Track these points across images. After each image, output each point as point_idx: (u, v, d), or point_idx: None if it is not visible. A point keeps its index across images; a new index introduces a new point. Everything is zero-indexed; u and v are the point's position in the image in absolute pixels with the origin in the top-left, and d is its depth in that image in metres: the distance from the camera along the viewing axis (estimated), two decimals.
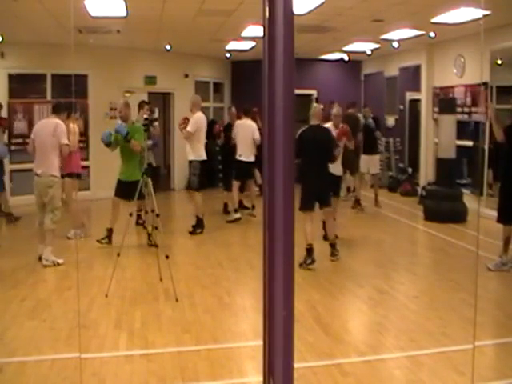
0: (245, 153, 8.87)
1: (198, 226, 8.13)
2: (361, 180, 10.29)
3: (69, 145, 6.59)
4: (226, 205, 9.65)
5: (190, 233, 8.06)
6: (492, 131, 6.64)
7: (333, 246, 6.72)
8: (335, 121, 7.32)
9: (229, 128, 9.72)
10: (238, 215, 8.92)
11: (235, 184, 9.11)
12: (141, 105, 8.79)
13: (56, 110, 6.74)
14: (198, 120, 8.01)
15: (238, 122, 9.16)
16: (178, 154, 11.97)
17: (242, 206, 9.53)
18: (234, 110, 9.98)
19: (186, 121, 8.07)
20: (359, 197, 9.94)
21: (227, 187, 9.48)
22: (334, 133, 6.99)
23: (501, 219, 6.25)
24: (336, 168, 7.21)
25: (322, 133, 6.62)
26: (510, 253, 6.29)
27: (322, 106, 7.12)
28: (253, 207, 9.29)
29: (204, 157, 8.13)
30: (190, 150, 8.10)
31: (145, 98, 11.46)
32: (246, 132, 8.91)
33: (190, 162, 8.12)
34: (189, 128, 7.90)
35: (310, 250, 6.34)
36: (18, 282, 5.75)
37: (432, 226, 8.50)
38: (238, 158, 8.96)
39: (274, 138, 1.25)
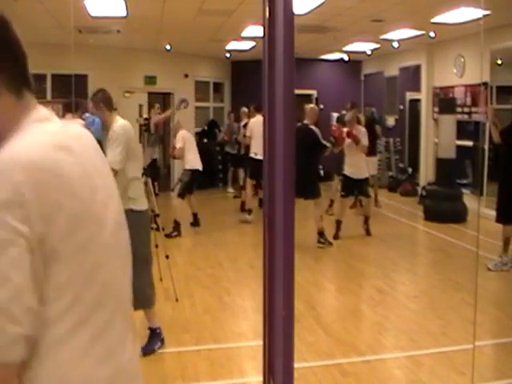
0: (261, 151, 8.83)
1: (175, 229, 8.04)
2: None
3: None
4: (243, 203, 9.68)
5: (166, 236, 7.07)
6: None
7: (320, 234, 7.22)
8: (349, 125, 7.81)
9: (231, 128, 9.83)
10: (251, 217, 8.90)
11: (249, 183, 9.15)
12: (152, 105, 8.95)
13: (69, 109, 6.61)
14: (183, 136, 8.31)
15: (253, 119, 9.18)
16: None
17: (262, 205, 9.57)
18: (245, 109, 10.05)
19: (173, 147, 8.45)
20: (361, 197, 9.94)
21: (245, 187, 9.55)
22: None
23: (500, 219, 6.27)
24: (358, 171, 7.75)
25: (306, 133, 7.18)
26: (510, 253, 6.30)
27: (316, 108, 7.74)
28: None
29: (197, 166, 8.26)
30: (184, 160, 8.36)
31: (145, 98, 11.48)
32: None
33: (184, 170, 8.35)
34: (178, 145, 8.22)
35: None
36: None
37: (432, 226, 8.50)
38: (253, 156, 8.91)
39: (274, 138, 1.25)
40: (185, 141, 8.25)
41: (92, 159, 1.18)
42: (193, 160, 8.27)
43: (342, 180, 8.05)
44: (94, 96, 4.09)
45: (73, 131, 1.19)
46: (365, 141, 7.80)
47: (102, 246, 1.10)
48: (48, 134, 1.09)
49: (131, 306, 1.26)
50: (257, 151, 8.86)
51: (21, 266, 0.95)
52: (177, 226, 8.03)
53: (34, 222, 0.96)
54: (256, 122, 9.03)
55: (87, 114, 4.29)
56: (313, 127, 7.39)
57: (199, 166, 8.30)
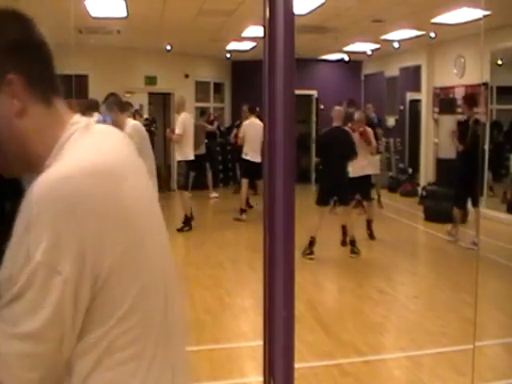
0: (251, 152, 8.92)
1: (186, 224, 8.18)
2: None
3: None
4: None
5: (178, 230, 8.06)
6: (492, 131, 6.80)
7: (352, 243, 6.88)
8: (355, 125, 7.62)
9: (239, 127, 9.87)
10: (243, 217, 8.97)
11: (244, 182, 9.20)
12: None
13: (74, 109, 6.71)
14: (183, 121, 8.16)
15: (246, 122, 9.23)
16: None
17: (248, 205, 9.62)
18: (245, 108, 10.05)
19: (172, 130, 8.42)
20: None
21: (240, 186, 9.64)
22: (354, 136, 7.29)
23: (455, 204, 7.46)
24: (361, 170, 7.50)
25: (341, 135, 6.97)
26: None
27: (342, 109, 7.46)
28: None
29: (191, 157, 8.31)
30: (177, 150, 8.35)
31: (145, 98, 11.48)
32: (257, 131, 8.82)
33: (178, 162, 8.34)
34: (177, 131, 8.10)
35: (312, 243, 6.66)
36: None
37: (432, 226, 8.50)
38: (244, 157, 9.04)
39: (275, 139, 1.26)
40: (185, 128, 8.13)
41: (134, 166, 1.05)
42: (188, 151, 8.27)
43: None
44: (107, 99, 4.27)
45: (117, 138, 1.07)
46: (374, 141, 7.75)
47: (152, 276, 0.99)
48: (100, 148, 0.97)
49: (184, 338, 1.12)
50: (248, 152, 8.97)
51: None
52: (187, 220, 8.17)
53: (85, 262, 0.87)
54: (250, 125, 9.07)
55: (98, 116, 4.47)
56: (347, 129, 7.29)
57: (192, 156, 8.37)
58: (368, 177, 7.81)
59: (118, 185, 0.92)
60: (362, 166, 7.55)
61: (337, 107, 7.43)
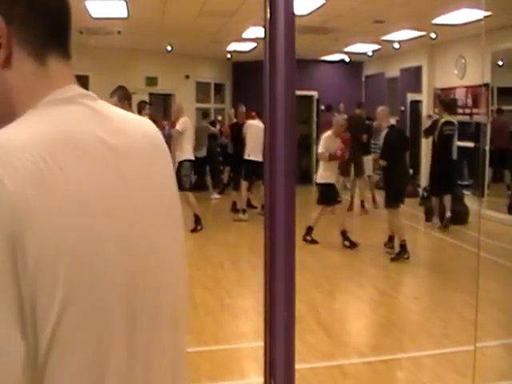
0: (254, 152, 8.94)
1: (198, 224, 8.26)
2: (366, 182, 10.29)
3: None
4: (234, 203, 9.74)
5: (192, 230, 8.14)
6: (493, 132, 6.86)
7: (402, 246, 6.70)
8: (338, 129, 7.32)
9: (236, 127, 9.82)
10: (245, 217, 8.99)
11: (244, 184, 9.19)
12: (141, 105, 8.80)
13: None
14: (185, 122, 8.31)
15: (250, 121, 9.24)
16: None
17: (249, 205, 9.62)
18: (243, 108, 10.02)
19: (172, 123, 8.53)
20: (363, 199, 9.94)
21: (235, 187, 9.64)
22: (334, 142, 7.15)
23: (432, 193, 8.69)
24: (335, 176, 7.36)
25: (402, 135, 7.41)
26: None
27: (387, 108, 7.52)
28: (262, 206, 9.33)
29: (192, 157, 8.39)
30: (178, 151, 8.27)
31: (146, 99, 11.46)
32: (258, 132, 8.85)
33: (180, 162, 8.22)
34: (178, 127, 8.17)
35: (404, 246, 6.59)
36: None
37: (433, 228, 8.49)
38: (246, 157, 9.06)
39: (276, 140, 1.26)
40: (186, 127, 8.24)
41: (135, 165, 0.83)
42: (190, 151, 8.37)
43: (321, 188, 7.40)
44: (115, 93, 4.18)
45: (116, 123, 0.84)
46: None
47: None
48: (51, 123, 0.75)
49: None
50: (250, 152, 8.99)
51: None
52: (198, 219, 8.22)
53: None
54: (253, 125, 9.09)
55: None
56: (327, 134, 7.30)
57: (193, 156, 8.47)
58: (333, 185, 7.34)
59: (46, 166, 0.69)
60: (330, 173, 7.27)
61: (382, 107, 7.42)
